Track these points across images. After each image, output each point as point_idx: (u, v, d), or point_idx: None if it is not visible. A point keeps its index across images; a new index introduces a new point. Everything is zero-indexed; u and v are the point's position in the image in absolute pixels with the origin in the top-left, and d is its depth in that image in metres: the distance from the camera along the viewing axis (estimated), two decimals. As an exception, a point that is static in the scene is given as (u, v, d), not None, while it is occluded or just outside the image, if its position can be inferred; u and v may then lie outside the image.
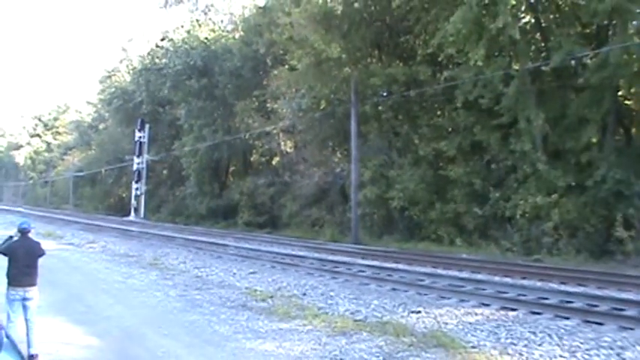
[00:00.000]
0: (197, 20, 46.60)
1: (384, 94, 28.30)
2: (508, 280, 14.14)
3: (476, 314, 10.30)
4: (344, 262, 17.72)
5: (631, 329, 8.97)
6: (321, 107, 30.66)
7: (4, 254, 7.52)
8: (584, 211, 19.43)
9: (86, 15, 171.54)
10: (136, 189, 49.07)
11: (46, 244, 8.67)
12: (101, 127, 69.45)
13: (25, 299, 7.47)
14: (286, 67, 32.39)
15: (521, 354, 7.79)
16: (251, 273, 15.84)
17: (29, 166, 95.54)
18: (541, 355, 7.72)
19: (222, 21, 47.18)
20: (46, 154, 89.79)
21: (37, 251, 7.69)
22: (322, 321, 9.71)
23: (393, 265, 17.06)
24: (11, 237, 7.77)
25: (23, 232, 7.69)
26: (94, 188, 65.68)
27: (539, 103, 21.07)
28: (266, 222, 35.58)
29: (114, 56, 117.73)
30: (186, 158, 43.66)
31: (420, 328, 9.27)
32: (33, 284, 7.58)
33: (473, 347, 8.13)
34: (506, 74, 21.19)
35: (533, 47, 23.20)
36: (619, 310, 10.10)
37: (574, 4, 21.75)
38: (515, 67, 21.75)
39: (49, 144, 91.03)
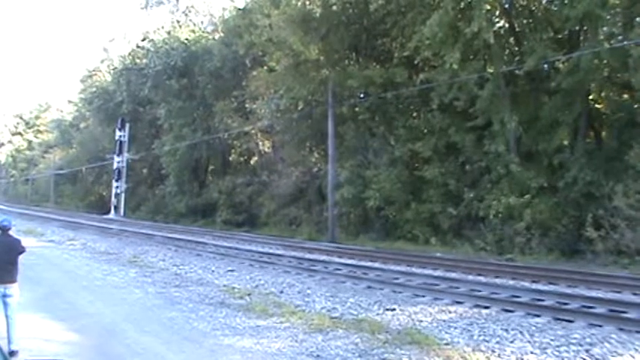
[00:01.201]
0: (177, 21, 46.48)
1: (361, 95, 28.49)
2: (481, 278, 14.29)
3: (450, 312, 10.39)
4: (321, 261, 17.84)
5: (599, 326, 9.07)
6: (299, 108, 30.61)
7: (-16, 251, 7.48)
8: (555, 212, 19.73)
9: (68, 14, 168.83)
10: (116, 187, 48.85)
11: (26, 242, 8.71)
12: (82, 125, 68.65)
13: (5, 296, 7.45)
14: (265, 68, 32.47)
15: (493, 351, 7.87)
16: (229, 271, 15.89)
17: (10, 163, 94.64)
18: (513, 352, 7.80)
19: (202, 22, 46.96)
20: (27, 152, 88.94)
21: (17, 248, 7.67)
22: (299, 318, 9.75)
23: (369, 264, 17.20)
24: (-8, 234, 7.78)
25: (4, 229, 7.66)
26: (75, 186, 65.34)
27: (513, 105, 21.42)
28: (244, 220, 35.57)
29: (95, 56, 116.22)
30: (166, 157, 43.57)
31: (395, 325, 9.33)
32: (13, 281, 7.56)
33: (446, 344, 8.18)
34: (480, 77, 21.51)
35: (507, 51, 23.62)
36: (588, 308, 10.17)
37: (547, 9, 22.26)
38: (490, 70, 22.12)
39: (30, 142, 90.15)
